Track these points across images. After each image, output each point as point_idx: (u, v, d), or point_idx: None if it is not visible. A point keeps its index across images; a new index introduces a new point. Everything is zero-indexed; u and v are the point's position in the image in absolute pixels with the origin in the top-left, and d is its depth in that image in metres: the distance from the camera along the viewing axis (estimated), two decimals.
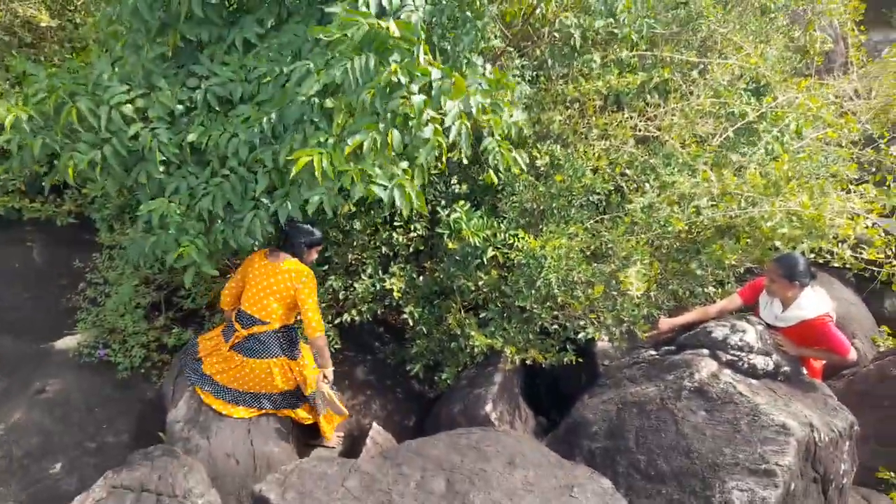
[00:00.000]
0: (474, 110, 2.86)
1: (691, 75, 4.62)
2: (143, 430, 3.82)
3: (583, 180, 4.05)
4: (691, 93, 4.53)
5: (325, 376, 3.49)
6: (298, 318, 3.53)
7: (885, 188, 3.97)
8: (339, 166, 2.65)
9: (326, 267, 4.30)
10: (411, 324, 4.15)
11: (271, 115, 2.98)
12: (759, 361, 3.37)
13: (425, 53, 2.82)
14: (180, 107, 3.20)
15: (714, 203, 3.94)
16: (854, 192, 3.98)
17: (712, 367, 3.36)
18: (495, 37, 4.14)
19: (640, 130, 4.40)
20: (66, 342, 4.30)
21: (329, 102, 2.86)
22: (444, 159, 3.21)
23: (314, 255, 3.56)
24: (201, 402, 3.51)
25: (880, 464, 4.03)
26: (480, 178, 4.26)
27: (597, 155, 4.22)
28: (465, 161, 3.18)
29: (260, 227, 3.10)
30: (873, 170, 4.36)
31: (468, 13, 3.62)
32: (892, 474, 3.97)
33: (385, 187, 2.88)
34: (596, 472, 3.15)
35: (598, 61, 4.24)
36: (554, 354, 3.84)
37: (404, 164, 3.02)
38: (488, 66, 3.63)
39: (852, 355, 3.35)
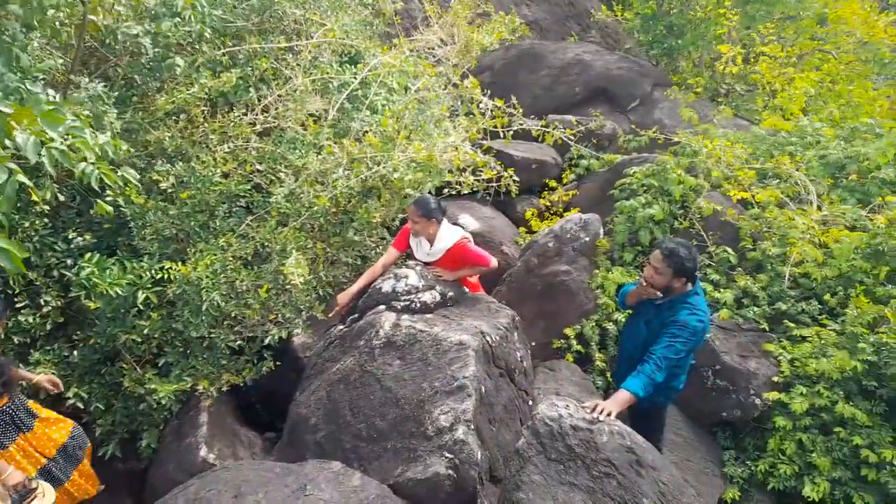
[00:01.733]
0: (56, 135, 2.47)
1: (287, 60, 4.73)
2: None
3: (216, 188, 3.90)
4: (294, 77, 4.65)
5: None
6: None
7: (472, 116, 4.68)
8: None
9: None
10: (83, 406, 3.59)
11: None
12: (428, 297, 3.72)
13: None
14: None
15: (348, 171, 4.16)
16: (452, 126, 4.60)
17: (392, 318, 3.59)
18: (46, 58, 3.62)
19: (258, 124, 4.38)
20: None
21: None
22: (41, 196, 2.71)
23: None
24: None
25: (552, 337, 4.86)
26: (96, 214, 3.80)
27: (223, 159, 4.09)
28: (47, 197, 2.75)
29: None
30: (461, 103, 5.06)
31: None
32: (562, 341, 4.82)
33: None
34: (325, 461, 3.16)
35: (181, 65, 4.01)
36: (250, 369, 3.71)
37: None
38: (51, 92, 3.17)
39: (493, 263, 3.89)
